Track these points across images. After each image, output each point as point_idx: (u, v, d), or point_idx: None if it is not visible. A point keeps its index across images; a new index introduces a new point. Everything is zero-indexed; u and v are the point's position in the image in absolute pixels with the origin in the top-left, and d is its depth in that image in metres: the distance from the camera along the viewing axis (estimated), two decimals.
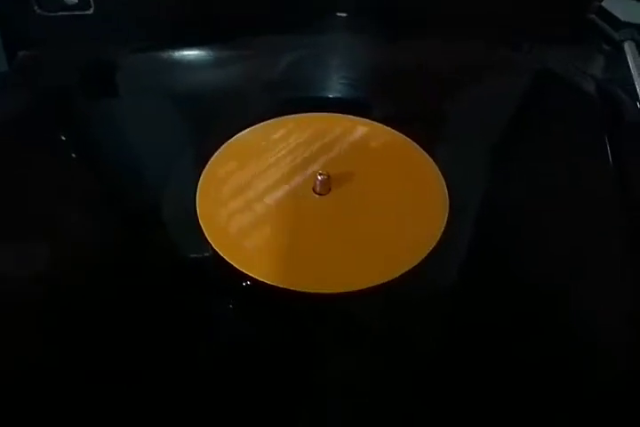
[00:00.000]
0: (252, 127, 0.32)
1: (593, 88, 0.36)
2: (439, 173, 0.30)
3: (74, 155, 0.33)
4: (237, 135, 0.32)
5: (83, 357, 0.24)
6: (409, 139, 0.32)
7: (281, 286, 0.26)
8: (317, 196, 0.29)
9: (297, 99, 0.35)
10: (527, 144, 0.33)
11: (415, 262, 0.27)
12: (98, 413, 0.23)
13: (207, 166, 0.30)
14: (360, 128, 0.32)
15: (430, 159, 0.31)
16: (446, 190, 0.30)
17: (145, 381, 0.24)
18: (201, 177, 0.30)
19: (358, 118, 0.33)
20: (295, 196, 0.29)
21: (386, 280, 0.26)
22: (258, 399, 0.23)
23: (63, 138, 0.33)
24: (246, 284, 0.26)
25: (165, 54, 0.36)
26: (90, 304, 0.26)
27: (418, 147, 0.32)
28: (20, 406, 0.23)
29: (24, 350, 0.24)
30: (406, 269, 0.27)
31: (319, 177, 0.29)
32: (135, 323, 0.25)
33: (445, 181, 0.30)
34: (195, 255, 0.28)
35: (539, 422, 0.23)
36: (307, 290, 0.26)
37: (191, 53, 0.37)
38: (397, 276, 0.26)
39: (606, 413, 0.23)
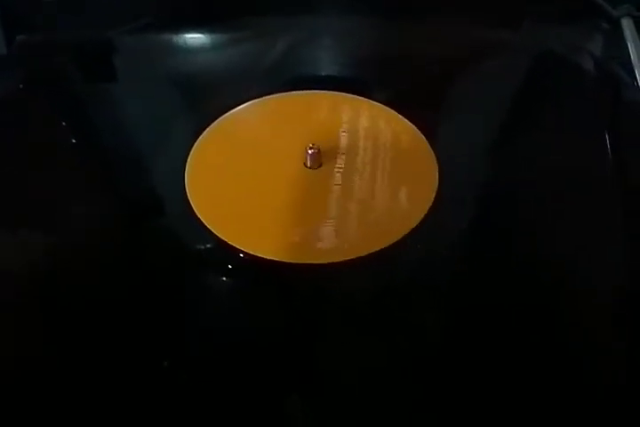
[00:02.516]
0: (245, 104, 0.32)
1: (592, 66, 0.36)
2: (432, 151, 0.30)
3: (70, 137, 0.33)
4: (229, 112, 0.32)
5: (82, 342, 0.24)
6: (404, 118, 0.32)
7: (272, 258, 0.26)
8: (308, 170, 0.29)
9: (294, 79, 0.35)
10: (526, 123, 0.33)
11: (401, 235, 0.27)
12: (99, 399, 0.22)
13: (197, 141, 0.30)
14: (356, 106, 0.32)
15: (424, 138, 0.31)
16: (437, 167, 0.29)
17: (143, 361, 0.24)
18: (191, 152, 0.30)
19: (354, 96, 0.33)
20: (286, 170, 0.29)
21: (373, 250, 0.26)
22: (256, 379, 0.23)
23: (60, 120, 0.33)
24: (240, 256, 0.26)
25: (162, 36, 0.37)
26: (87, 289, 0.26)
27: (413, 126, 0.31)
28: (21, 400, 0.22)
29: (22, 337, 0.24)
30: (400, 236, 0.26)
31: (310, 151, 0.29)
32: (133, 303, 0.25)
33: (438, 160, 0.30)
34: (186, 232, 0.28)
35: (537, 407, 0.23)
36: (302, 262, 0.26)
37: (188, 35, 0.37)
38: (384, 247, 0.26)
39: (609, 405, 0.23)
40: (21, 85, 0.34)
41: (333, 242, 0.27)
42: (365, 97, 0.33)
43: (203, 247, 0.27)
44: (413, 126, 0.31)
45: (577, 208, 0.29)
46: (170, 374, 0.23)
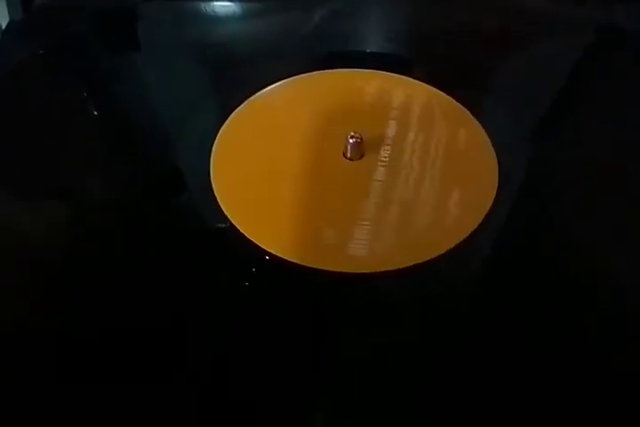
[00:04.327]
0: (279, 82, 0.29)
1: None
2: (487, 137, 0.26)
3: (90, 106, 0.30)
4: (262, 90, 0.28)
5: (96, 319, 0.22)
6: (453, 99, 0.28)
7: (296, 261, 0.23)
8: (348, 161, 0.26)
9: (331, 54, 0.31)
10: (586, 104, 0.29)
11: (457, 242, 0.23)
12: (111, 377, 0.21)
13: (225, 122, 0.27)
14: (400, 87, 0.29)
15: (477, 122, 0.27)
16: (496, 158, 0.26)
17: (155, 345, 0.22)
18: (218, 134, 0.27)
19: (398, 76, 0.29)
20: (322, 161, 0.26)
21: (420, 261, 0.23)
22: (273, 375, 0.21)
23: (80, 89, 0.31)
24: (265, 258, 0.23)
25: (192, 4, 0.33)
26: (103, 264, 0.24)
27: (464, 108, 0.28)
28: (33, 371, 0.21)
29: (40, 310, 0.23)
30: (446, 249, 0.23)
31: (351, 140, 0.25)
32: (148, 286, 0.23)
33: (499, 159, 0.26)
34: (209, 225, 0.25)
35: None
36: (332, 269, 0.23)
37: (217, 3, 0.33)
38: (434, 257, 0.23)
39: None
40: (41, 51, 0.31)
41: (366, 249, 0.23)
42: (408, 76, 0.29)
43: (219, 237, 0.25)
44: (473, 117, 0.27)
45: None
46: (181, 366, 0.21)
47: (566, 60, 0.31)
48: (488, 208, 0.24)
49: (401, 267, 0.23)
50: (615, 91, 0.30)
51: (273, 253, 0.23)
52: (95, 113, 0.30)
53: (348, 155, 0.26)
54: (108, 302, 0.23)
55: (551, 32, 0.33)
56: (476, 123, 0.27)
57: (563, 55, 0.31)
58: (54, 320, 0.22)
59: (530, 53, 0.31)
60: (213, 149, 0.27)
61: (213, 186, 0.25)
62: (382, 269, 0.23)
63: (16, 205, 0.26)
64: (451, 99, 0.28)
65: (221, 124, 0.27)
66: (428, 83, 0.29)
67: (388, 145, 0.26)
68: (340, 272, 0.23)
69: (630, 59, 0.31)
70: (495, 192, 0.24)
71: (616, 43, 0.32)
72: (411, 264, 0.23)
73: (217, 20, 0.34)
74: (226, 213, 0.24)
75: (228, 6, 0.34)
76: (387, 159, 0.26)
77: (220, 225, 0.24)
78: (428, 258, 0.23)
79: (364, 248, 0.23)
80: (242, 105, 0.28)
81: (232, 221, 0.24)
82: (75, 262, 0.24)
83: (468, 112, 0.27)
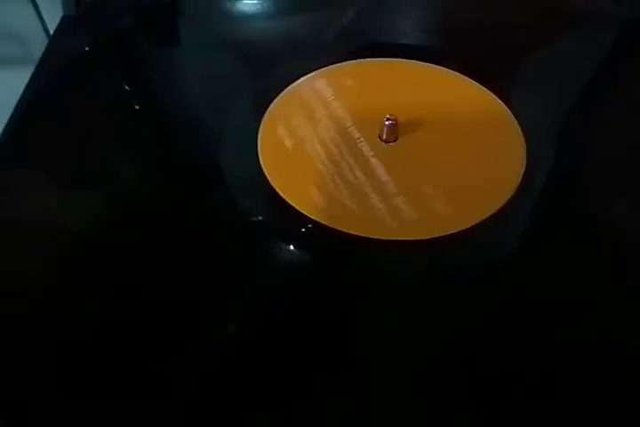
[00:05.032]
0: (315, 72, 0.31)
1: None
2: (517, 125, 0.28)
3: (135, 100, 0.32)
4: (301, 79, 0.31)
5: (135, 300, 0.24)
6: (486, 89, 0.30)
7: (339, 228, 0.25)
8: (384, 143, 0.28)
9: (367, 46, 0.33)
10: (615, 99, 0.31)
11: (477, 221, 0.25)
12: (143, 350, 0.22)
13: (267, 111, 0.29)
14: (435, 75, 0.31)
15: (508, 111, 0.29)
16: (524, 143, 0.28)
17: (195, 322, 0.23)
18: (263, 120, 0.29)
19: (433, 65, 0.31)
20: (360, 142, 0.28)
21: (453, 231, 0.25)
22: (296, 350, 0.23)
23: (125, 83, 0.32)
24: (307, 227, 0.25)
25: (229, 2, 0.35)
26: (144, 252, 0.25)
27: (495, 97, 0.29)
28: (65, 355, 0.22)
29: (73, 295, 0.24)
30: (466, 225, 0.25)
31: (387, 122, 0.27)
32: (192, 264, 0.25)
33: (526, 139, 0.28)
34: (258, 201, 0.27)
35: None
36: (364, 234, 0.25)
37: (253, 2, 0.35)
38: (467, 227, 0.25)
39: None
40: (87, 48, 0.33)
41: (402, 220, 0.25)
42: (442, 66, 0.31)
43: (270, 212, 0.27)
44: (500, 101, 0.29)
45: None
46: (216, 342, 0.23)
47: (598, 53, 0.33)
48: (516, 185, 0.26)
49: (430, 237, 0.25)
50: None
51: (321, 222, 0.25)
52: (141, 106, 0.32)
53: (384, 137, 0.28)
54: (150, 287, 0.24)
55: (584, 25, 0.34)
56: (504, 107, 0.29)
57: (594, 48, 0.33)
58: (86, 305, 0.24)
59: (562, 46, 0.32)
60: (259, 135, 0.28)
61: (263, 168, 0.27)
62: (414, 237, 0.24)
63: (62, 193, 0.28)
64: (479, 85, 0.30)
65: (263, 113, 0.29)
66: (459, 72, 0.30)
67: (421, 128, 0.28)
68: (376, 239, 0.25)
69: None
70: (522, 172, 0.26)
71: None
72: (440, 235, 0.25)
73: (254, 16, 0.35)
74: (275, 188, 0.26)
75: (263, 3, 0.36)
76: (420, 141, 0.28)
77: (268, 197, 0.26)
78: (457, 230, 0.25)
79: (399, 219, 0.25)
80: (281, 94, 0.30)
81: (280, 194, 0.26)
82: (116, 250, 0.25)
83: (496, 97, 0.29)
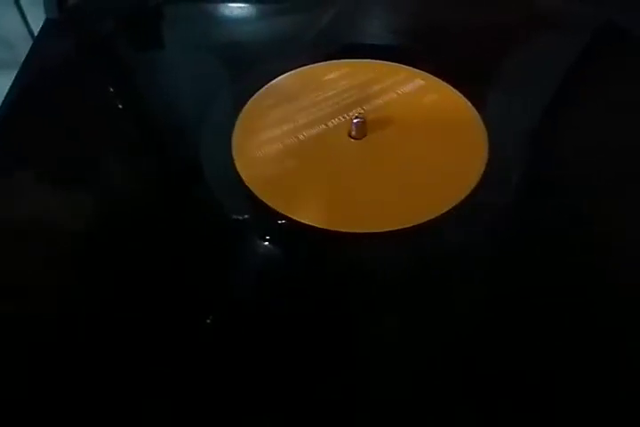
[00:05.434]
0: (290, 72, 0.32)
1: None
2: (483, 126, 0.29)
3: (117, 101, 0.33)
4: (279, 77, 0.32)
5: (122, 298, 0.24)
6: (455, 90, 0.31)
7: (313, 224, 0.26)
8: (352, 140, 0.29)
9: (340, 49, 0.34)
10: (582, 100, 0.32)
11: (444, 210, 0.26)
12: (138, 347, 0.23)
13: (243, 110, 0.30)
14: (404, 76, 0.32)
15: (475, 111, 0.30)
16: (487, 142, 0.29)
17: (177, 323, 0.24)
18: (237, 120, 0.30)
19: (402, 66, 0.32)
20: (330, 139, 0.29)
21: (411, 224, 0.26)
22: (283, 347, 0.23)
23: (107, 86, 0.33)
24: (281, 221, 0.26)
25: (210, 6, 0.37)
26: (128, 248, 0.26)
27: (464, 98, 0.30)
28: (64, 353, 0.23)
29: (66, 292, 0.25)
30: (434, 215, 0.26)
31: (355, 120, 0.28)
32: (174, 262, 0.26)
33: (489, 134, 0.29)
34: (229, 195, 0.28)
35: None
36: (337, 229, 0.26)
37: (234, 5, 0.37)
38: (423, 221, 0.26)
39: None
40: (75, 48, 0.34)
41: (372, 212, 0.26)
42: (414, 67, 0.32)
43: (244, 209, 0.27)
44: (464, 98, 0.30)
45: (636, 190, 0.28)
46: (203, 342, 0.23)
47: (566, 54, 0.33)
48: (479, 177, 0.27)
49: (400, 227, 0.25)
50: (614, 87, 0.32)
51: (289, 215, 0.26)
52: (123, 106, 0.33)
53: (353, 134, 0.29)
54: (131, 286, 0.25)
55: (555, 26, 0.35)
56: (468, 104, 0.30)
57: (563, 50, 0.34)
58: (76, 303, 0.24)
59: (530, 47, 0.33)
60: (234, 132, 0.29)
61: (236, 163, 0.28)
62: (385, 229, 0.25)
63: (44, 191, 0.28)
64: (445, 83, 0.31)
65: (239, 112, 0.30)
66: (431, 73, 0.32)
67: (388, 125, 0.29)
68: (349, 232, 0.25)
69: (625, 51, 0.33)
70: (484, 165, 0.27)
71: (616, 39, 0.34)
72: (409, 225, 0.26)
73: (234, 19, 0.37)
74: (248, 185, 0.27)
75: (244, 7, 0.37)
76: (387, 138, 0.29)
77: (242, 195, 0.27)
78: (425, 220, 0.26)
79: (369, 211, 0.26)
80: (257, 93, 0.31)
81: (253, 191, 0.27)
82: (99, 248, 0.26)
83: (460, 95, 0.30)
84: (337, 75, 0.32)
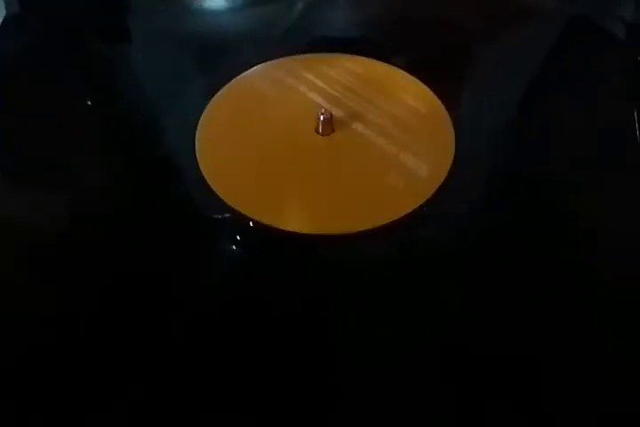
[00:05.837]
0: (258, 66, 0.31)
1: (624, 32, 0.34)
2: (450, 121, 0.29)
3: (84, 97, 0.32)
4: (242, 74, 0.31)
5: (94, 300, 0.24)
6: (424, 84, 0.31)
7: (281, 227, 0.25)
8: (319, 136, 0.28)
9: (310, 42, 0.33)
10: (552, 94, 0.32)
11: (414, 206, 0.26)
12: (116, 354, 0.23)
13: (209, 104, 0.30)
14: (373, 70, 0.31)
15: (443, 107, 0.30)
16: (454, 138, 0.28)
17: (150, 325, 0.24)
18: (203, 114, 0.29)
19: (372, 60, 0.32)
20: (297, 136, 0.29)
21: (386, 222, 0.26)
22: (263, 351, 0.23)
23: (73, 79, 0.33)
24: (247, 223, 0.26)
25: None
26: (98, 246, 0.26)
27: (432, 94, 0.30)
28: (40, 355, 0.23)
29: (38, 293, 0.24)
30: (405, 211, 0.26)
31: (321, 117, 0.28)
32: (141, 265, 0.25)
33: (456, 130, 0.29)
34: (192, 194, 0.28)
35: None
36: (307, 231, 0.25)
37: None
38: (398, 218, 0.26)
39: None
40: (37, 43, 0.33)
41: (342, 212, 0.26)
42: (384, 61, 0.32)
43: (207, 209, 0.27)
44: (432, 94, 0.30)
45: (605, 181, 0.28)
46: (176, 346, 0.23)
47: (538, 50, 0.33)
48: (446, 172, 0.27)
49: (372, 226, 0.25)
50: (586, 84, 0.32)
51: (254, 218, 0.26)
52: (88, 102, 0.32)
53: (320, 130, 0.28)
54: (108, 288, 0.24)
55: (525, 21, 0.35)
56: (436, 99, 0.30)
57: (535, 45, 0.33)
58: (54, 307, 0.24)
59: (502, 43, 0.33)
60: (198, 127, 0.29)
61: (199, 160, 0.28)
62: (356, 229, 0.25)
63: (12, 192, 0.28)
64: (414, 78, 0.31)
65: (205, 105, 0.30)
66: (403, 68, 0.31)
67: (356, 121, 0.29)
68: (320, 235, 0.25)
69: (596, 46, 0.33)
70: (451, 160, 0.27)
71: (587, 35, 0.34)
72: (381, 223, 0.25)
73: (203, 11, 0.36)
74: (211, 185, 0.27)
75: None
76: (355, 134, 0.28)
77: (205, 194, 0.26)
78: (398, 216, 0.26)
79: (339, 211, 0.26)
80: (223, 88, 0.31)
81: (216, 192, 0.26)
82: (69, 248, 0.26)
83: (429, 90, 0.30)
84: (306, 69, 0.32)
